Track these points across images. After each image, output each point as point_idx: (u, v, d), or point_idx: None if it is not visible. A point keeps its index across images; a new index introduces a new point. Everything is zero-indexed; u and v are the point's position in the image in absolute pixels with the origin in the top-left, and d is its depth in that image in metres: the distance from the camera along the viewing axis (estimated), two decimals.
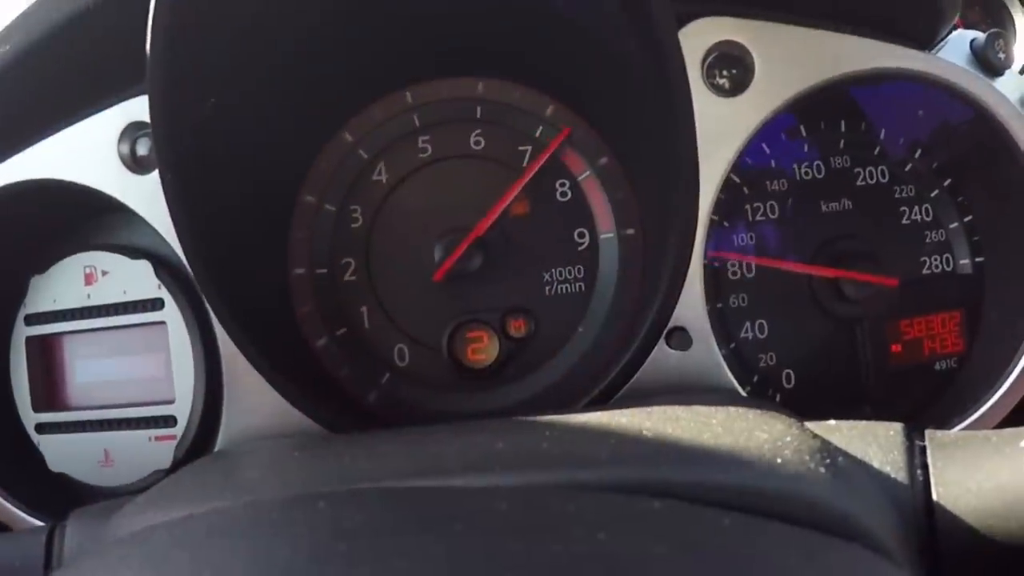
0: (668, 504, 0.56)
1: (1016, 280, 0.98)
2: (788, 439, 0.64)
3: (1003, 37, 0.95)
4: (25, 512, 0.99)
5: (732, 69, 0.91)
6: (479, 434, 0.72)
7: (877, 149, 1.04)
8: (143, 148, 0.95)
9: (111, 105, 0.96)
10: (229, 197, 0.96)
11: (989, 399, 0.93)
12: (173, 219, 0.87)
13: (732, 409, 0.79)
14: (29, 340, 1.05)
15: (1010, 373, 0.93)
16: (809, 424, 0.69)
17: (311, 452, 0.79)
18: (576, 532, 0.51)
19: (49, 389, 1.06)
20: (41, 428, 1.04)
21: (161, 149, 0.86)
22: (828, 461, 0.61)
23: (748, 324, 1.01)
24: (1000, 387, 0.93)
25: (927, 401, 1.01)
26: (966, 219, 1.03)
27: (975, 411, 0.93)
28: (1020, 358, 0.93)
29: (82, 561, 0.63)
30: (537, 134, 1.06)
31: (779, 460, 0.61)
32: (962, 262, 1.03)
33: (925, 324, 1.02)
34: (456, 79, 1.08)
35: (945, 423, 0.94)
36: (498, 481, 0.61)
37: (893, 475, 0.62)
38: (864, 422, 0.68)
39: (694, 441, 0.68)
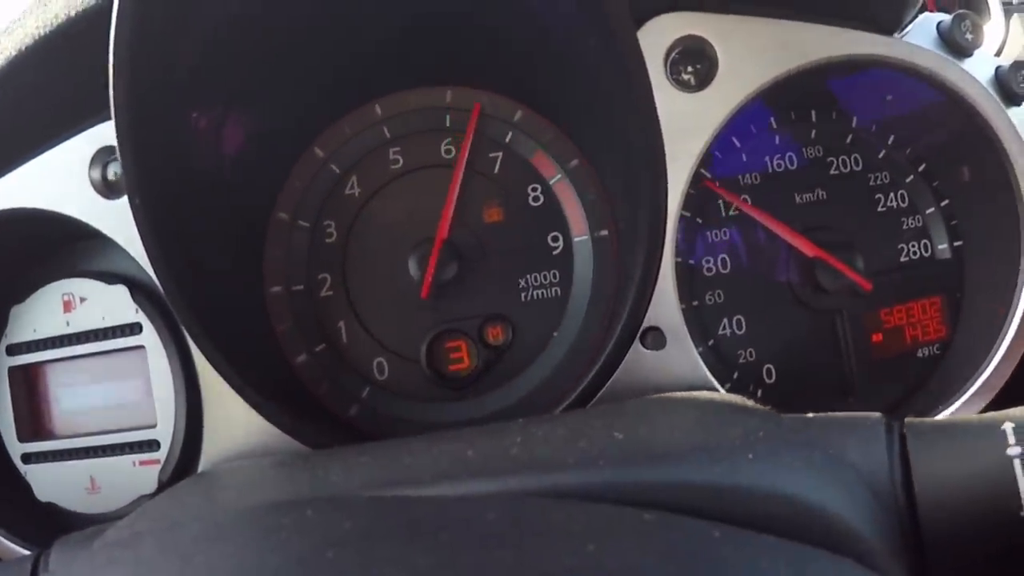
0: (658, 515, 0.55)
1: (995, 263, 0.96)
2: (761, 434, 0.63)
3: (970, 18, 0.94)
4: (14, 543, 0.98)
5: (696, 64, 0.91)
6: (452, 443, 0.72)
7: (850, 137, 1.03)
8: (114, 172, 0.95)
9: (82, 131, 0.95)
10: (201, 218, 0.95)
11: (973, 384, 0.92)
12: (144, 243, 0.87)
13: (706, 406, 0.79)
14: (12, 371, 1.04)
15: (993, 357, 0.92)
16: (786, 418, 0.68)
17: (288, 468, 0.79)
18: (565, 543, 0.51)
19: (34, 418, 1.05)
20: (27, 458, 1.04)
21: (129, 173, 0.85)
22: (803, 455, 0.61)
23: (725, 320, 1.01)
24: (984, 371, 0.92)
25: (912, 389, 1.01)
26: (942, 204, 1.02)
27: (960, 397, 0.92)
28: (1003, 341, 0.92)
29: (70, 567, 0.63)
30: (507, 140, 1.06)
31: (751, 456, 0.60)
32: (940, 247, 1.02)
33: (905, 312, 1.01)
34: (424, 89, 1.08)
35: (930, 410, 0.94)
36: (467, 489, 0.61)
37: (872, 466, 0.61)
38: (843, 414, 0.67)
39: (665, 440, 0.67)
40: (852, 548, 0.56)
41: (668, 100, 0.88)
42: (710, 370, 0.89)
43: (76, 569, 0.61)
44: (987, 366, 0.92)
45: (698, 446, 0.63)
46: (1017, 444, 0.57)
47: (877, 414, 0.65)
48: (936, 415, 0.92)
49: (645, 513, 0.55)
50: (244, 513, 0.62)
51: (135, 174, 0.85)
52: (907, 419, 0.65)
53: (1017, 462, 0.57)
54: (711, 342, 1.00)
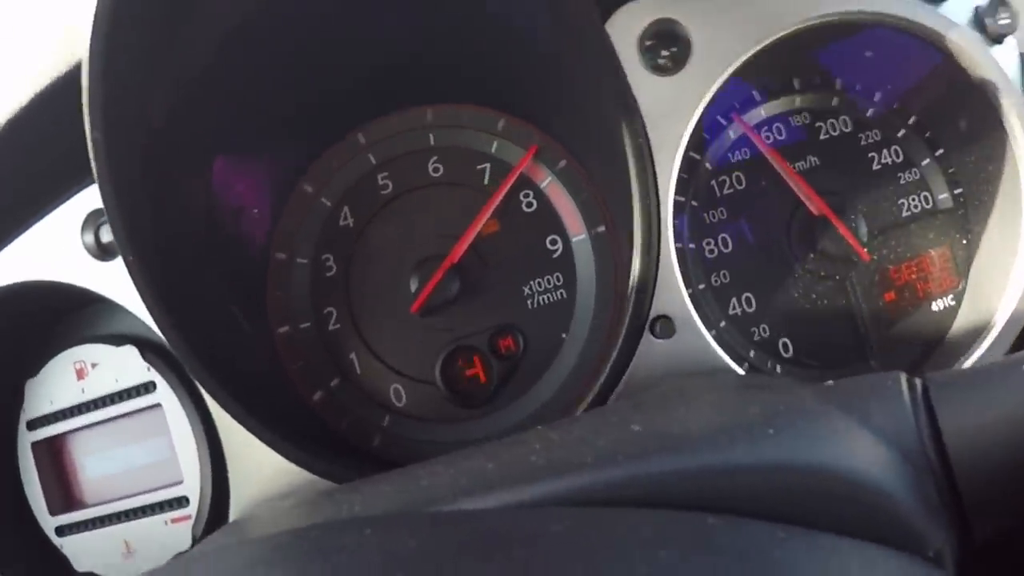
0: (725, 520, 0.54)
1: (998, 205, 0.95)
2: (781, 408, 0.62)
3: None
4: None
5: (671, 47, 0.90)
6: (472, 459, 0.71)
7: (835, 100, 1.02)
8: (106, 235, 0.94)
9: (69, 197, 0.95)
10: (199, 269, 0.95)
11: (993, 330, 0.91)
12: (144, 302, 0.86)
13: (723, 388, 0.78)
14: (35, 445, 1.04)
15: (1009, 301, 0.90)
16: (805, 389, 0.66)
17: (310, 507, 0.78)
18: (636, 551, 0.50)
19: (63, 490, 1.05)
20: (61, 531, 1.04)
21: (119, 233, 0.84)
22: (825, 424, 0.59)
23: (735, 300, 1.00)
24: (1002, 317, 0.90)
25: (933, 344, 0.99)
26: (937, 154, 1.01)
27: (980, 346, 0.91)
28: (1018, 283, 0.90)
29: None
30: (492, 150, 1.06)
31: (772, 431, 0.59)
32: (941, 196, 1.01)
33: (916, 266, 1.00)
34: (404, 111, 1.08)
35: (954, 363, 0.92)
36: (491, 503, 0.60)
37: (898, 425, 0.59)
38: (862, 376, 0.65)
39: (683, 428, 0.66)
40: (887, 512, 0.54)
41: (647, 87, 0.88)
42: (726, 351, 0.88)
43: None
44: (1004, 311, 0.90)
45: (718, 429, 0.62)
46: None
47: (897, 372, 0.64)
48: (960, 366, 0.91)
49: (709, 517, 0.54)
50: (299, 534, 0.61)
51: (125, 233, 0.85)
52: (928, 373, 0.63)
53: None
54: (723, 323, 0.99)
